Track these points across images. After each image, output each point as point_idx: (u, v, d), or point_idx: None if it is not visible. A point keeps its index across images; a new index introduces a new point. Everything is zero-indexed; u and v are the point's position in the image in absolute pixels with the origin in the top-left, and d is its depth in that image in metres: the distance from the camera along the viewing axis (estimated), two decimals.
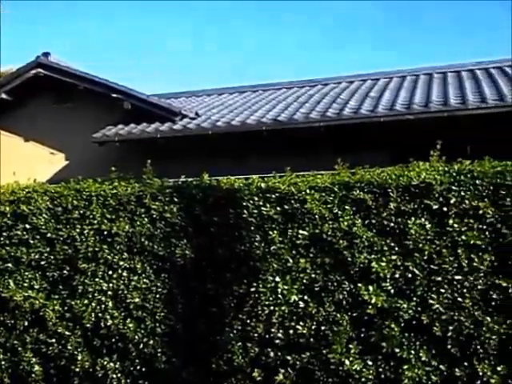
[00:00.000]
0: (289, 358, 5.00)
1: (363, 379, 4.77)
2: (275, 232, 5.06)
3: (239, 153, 9.54)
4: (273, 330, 5.04)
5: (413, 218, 4.72)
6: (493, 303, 4.56)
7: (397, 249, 4.75)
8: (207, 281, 5.36)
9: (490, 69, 11.55)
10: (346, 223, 4.85)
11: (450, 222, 4.64)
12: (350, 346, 4.82)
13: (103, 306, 5.70)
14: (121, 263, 5.66)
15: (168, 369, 5.50)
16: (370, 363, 4.78)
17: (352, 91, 11.33)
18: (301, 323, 4.97)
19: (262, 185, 5.19)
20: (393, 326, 4.70)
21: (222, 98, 13.02)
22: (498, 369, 4.49)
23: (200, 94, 13.64)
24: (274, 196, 5.11)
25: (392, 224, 4.78)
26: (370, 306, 4.73)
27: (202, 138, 10.01)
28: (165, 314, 5.52)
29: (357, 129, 9.30)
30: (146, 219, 5.62)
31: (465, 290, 4.58)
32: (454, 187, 4.68)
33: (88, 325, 5.75)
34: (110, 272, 5.71)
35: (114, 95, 10.77)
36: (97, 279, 5.74)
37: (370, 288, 4.73)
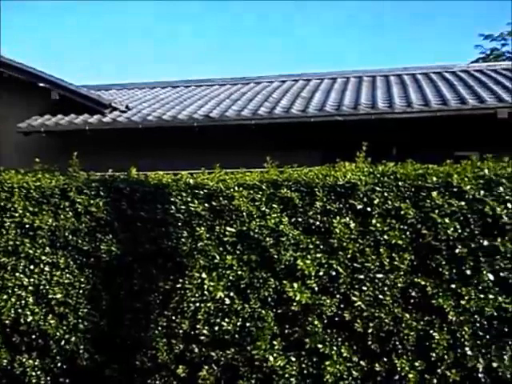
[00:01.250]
0: (213, 354, 5.01)
1: (286, 375, 4.82)
2: (203, 228, 5.04)
3: (169, 148, 9.46)
4: (198, 326, 5.02)
5: (338, 217, 4.81)
6: (412, 301, 4.71)
7: (322, 247, 4.83)
8: (133, 277, 5.27)
9: (417, 75, 11.96)
10: (273, 221, 4.89)
11: (373, 221, 4.76)
12: (274, 342, 4.86)
13: (23, 301, 5.51)
14: (43, 258, 5.49)
15: (91, 366, 5.38)
16: (293, 359, 4.84)
17: (284, 90, 11.46)
18: (226, 320, 4.98)
19: (191, 181, 5.17)
20: (316, 322, 4.78)
21: (153, 92, 12.88)
22: (416, 364, 4.64)
23: (131, 87, 13.46)
24: (202, 192, 5.09)
25: (318, 223, 4.86)
26: (295, 303, 4.79)
27: (132, 132, 9.88)
28: (88, 310, 5.40)
29: (288, 128, 9.43)
30: (70, 213, 5.47)
31: (386, 288, 4.71)
32: (377, 188, 4.80)
33: (7, 321, 5.54)
34: (32, 267, 5.52)
35: (41, 84, 10.46)
36: (17, 274, 5.54)
37: (295, 285, 4.79)
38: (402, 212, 4.73)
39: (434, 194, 4.69)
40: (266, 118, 9.38)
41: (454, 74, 11.87)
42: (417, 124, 9.15)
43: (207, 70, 38.92)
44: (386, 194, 4.78)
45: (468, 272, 4.60)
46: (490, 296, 4.55)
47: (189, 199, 5.10)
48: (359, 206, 4.81)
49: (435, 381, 4.62)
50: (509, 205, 4.60)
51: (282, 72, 13.18)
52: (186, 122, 9.67)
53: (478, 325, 4.59)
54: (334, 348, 4.76)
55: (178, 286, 5.08)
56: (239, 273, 4.95)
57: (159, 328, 5.15)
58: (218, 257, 4.99)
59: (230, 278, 4.97)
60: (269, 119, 9.37)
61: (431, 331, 4.63)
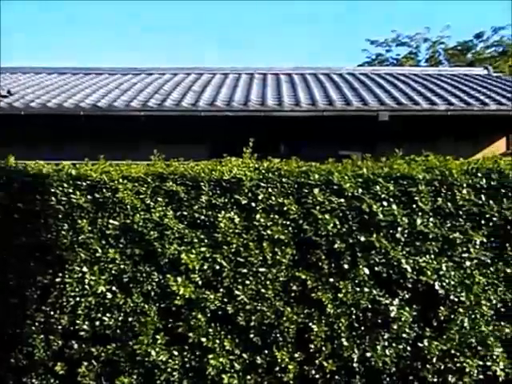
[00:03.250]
0: (93, 350, 4.87)
1: (169, 369, 4.80)
2: (84, 221, 4.89)
3: (53, 137, 9.09)
4: (78, 321, 4.87)
5: (223, 212, 4.84)
6: (292, 294, 4.84)
7: (206, 241, 4.84)
8: (8, 271, 5.02)
9: (306, 75, 12.29)
10: (157, 214, 4.84)
11: (258, 216, 4.83)
12: (157, 336, 4.82)
13: None
14: None
15: None
16: (176, 353, 4.81)
17: (176, 83, 11.38)
18: (108, 314, 4.86)
19: (73, 171, 4.99)
20: (200, 316, 4.78)
21: (39, 77, 12.32)
22: (295, 355, 4.77)
23: (14, 72, 12.77)
24: (84, 184, 4.93)
25: (203, 217, 4.87)
26: (178, 297, 4.77)
27: (13, 119, 9.38)
28: None
29: (178, 121, 9.36)
30: None
31: (268, 282, 4.80)
32: (262, 184, 4.88)
33: None
34: None
35: None
36: None
37: (179, 279, 4.77)
38: (285, 208, 4.84)
39: (316, 190, 4.84)
40: (155, 110, 9.26)
41: (341, 76, 12.33)
42: (304, 122, 9.42)
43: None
44: (270, 190, 4.87)
45: (346, 266, 4.80)
46: (366, 289, 4.77)
47: (70, 190, 4.92)
48: (244, 201, 4.87)
49: (313, 371, 4.77)
50: (384, 203, 4.84)
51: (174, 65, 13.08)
52: (71, 111, 9.33)
53: (353, 317, 4.79)
54: (217, 341, 4.79)
55: (58, 280, 4.89)
56: (122, 267, 4.85)
57: (36, 324, 4.94)
58: (100, 250, 4.87)
59: (113, 271, 4.86)
60: (158, 111, 9.26)
61: (310, 324, 4.78)
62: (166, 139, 8.32)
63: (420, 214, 4.85)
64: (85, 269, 4.85)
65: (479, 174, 4.98)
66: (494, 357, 4.78)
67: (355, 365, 4.77)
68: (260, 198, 4.86)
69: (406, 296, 4.79)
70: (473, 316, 4.81)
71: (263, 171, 4.94)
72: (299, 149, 8.88)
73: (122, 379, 4.83)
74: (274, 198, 4.87)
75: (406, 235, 4.83)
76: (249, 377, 4.81)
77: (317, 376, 4.77)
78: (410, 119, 9.47)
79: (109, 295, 4.85)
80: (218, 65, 13.14)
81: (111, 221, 4.89)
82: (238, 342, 4.83)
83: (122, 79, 11.99)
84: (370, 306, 4.78)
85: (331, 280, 4.80)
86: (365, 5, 39.34)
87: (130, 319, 4.86)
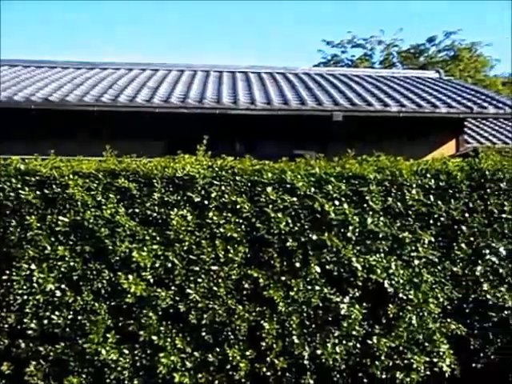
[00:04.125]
0: (41, 349, 4.77)
1: (119, 368, 4.74)
2: (33, 217, 4.78)
3: (3, 131, 8.86)
4: (25, 320, 4.75)
5: (175, 209, 4.82)
6: (244, 292, 4.85)
7: (158, 239, 4.80)
8: None
9: (262, 74, 12.32)
10: (109, 211, 4.77)
11: (210, 214, 4.83)
12: (108, 335, 4.75)
13: None
14: None
15: None
16: (126, 352, 4.76)
17: (130, 79, 11.25)
18: (56, 313, 4.77)
19: (22, 166, 4.87)
20: (151, 314, 4.74)
21: None
22: (247, 353, 4.78)
23: None
24: (33, 179, 4.82)
25: (155, 214, 4.83)
26: (130, 295, 4.71)
27: None
28: None
29: (132, 117, 9.26)
30: None
31: (220, 280, 4.80)
32: (215, 182, 4.88)
33: None
34: None
35: None
36: None
37: (130, 277, 4.72)
38: (238, 206, 4.85)
39: (269, 189, 4.86)
40: (109, 106, 9.13)
41: (296, 75, 12.40)
42: (260, 121, 9.45)
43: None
44: (223, 188, 4.87)
45: (297, 265, 4.83)
46: (317, 287, 4.82)
47: (19, 186, 4.81)
48: (197, 199, 4.85)
49: (264, 369, 4.79)
50: (336, 202, 4.90)
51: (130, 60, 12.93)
52: (22, 104, 9.11)
53: (305, 315, 4.83)
54: (169, 340, 4.76)
55: (4, 277, 4.77)
56: (72, 264, 4.77)
57: None
58: (49, 247, 4.77)
59: (62, 269, 4.77)
60: (112, 107, 9.13)
61: (262, 321, 4.79)
62: (120, 135, 8.23)
63: (371, 213, 4.93)
64: (33, 266, 4.75)
65: (428, 175, 5.10)
66: (441, 353, 4.89)
67: (306, 362, 4.82)
68: (213, 195, 4.86)
69: (357, 294, 4.86)
70: (420, 313, 4.92)
71: (216, 169, 4.94)
72: (254, 147, 8.94)
73: (71, 379, 4.74)
74: (227, 195, 4.87)
75: (356, 234, 4.90)
76: (200, 375, 4.80)
77: (268, 373, 4.80)
78: (363, 120, 9.62)
79: (58, 293, 4.76)
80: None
81: (61, 217, 4.80)
82: (189, 340, 4.81)
83: (75, 73, 11.77)
84: (320, 304, 4.82)
85: (283, 278, 4.83)
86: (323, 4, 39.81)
87: (79, 318, 4.78)
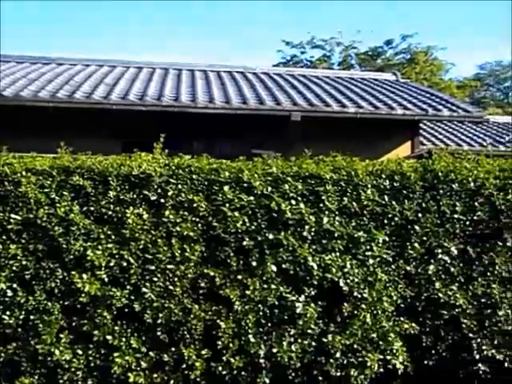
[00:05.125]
0: None
1: (73, 369, 4.67)
2: None
3: None
4: None
5: (131, 208, 4.77)
6: (201, 291, 4.84)
7: (113, 237, 4.75)
8: None
9: (221, 72, 12.30)
10: (63, 209, 4.69)
11: (167, 213, 4.80)
12: (61, 335, 4.68)
13: None
14: None
15: None
16: (80, 352, 4.69)
17: (87, 75, 11.07)
18: (8, 313, 4.66)
19: None
20: (105, 314, 4.69)
21: None
22: (203, 352, 4.77)
23: None
24: None
25: (110, 212, 4.77)
26: (84, 295, 4.65)
27: None
28: None
29: (89, 114, 9.13)
30: None
31: (176, 279, 4.77)
32: (172, 180, 4.85)
33: None
34: None
35: None
36: None
37: (84, 276, 4.65)
38: (195, 204, 4.83)
39: (226, 188, 4.86)
40: (64, 102, 8.97)
41: (255, 75, 12.42)
42: (219, 120, 9.44)
43: None
44: (180, 187, 4.85)
45: (254, 264, 4.84)
46: (273, 286, 4.84)
47: None
48: (153, 197, 4.82)
49: (220, 368, 4.78)
50: (293, 201, 4.93)
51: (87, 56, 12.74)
52: None
53: (261, 313, 4.84)
54: (123, 339, 4.72)
55: None
56: (24, 263, 4.67)
57: None
58: (0, 246, 4.66)
59: (14, 268, 4.66)
60: (68, 103, 8.98)
61: (218, 320, 4.79)
62: (76, 132, 8.11)
63: (327, 212, 4.98)
64: None
65: (383, 176, 5.18)
66: (394, 351, 4.98)
67: (262, 361, 4.83)
68: (169, 194, 4.83)
69: (312, 293, 4.90)
70: (375, 312, 4.99)
71: (173, 167, 4.91)
72: (213, 146, 8.93)
73: (23, 380, 4.66)
74: (183, 194, 4.85)
75: (312, 233, 4.95)
76: (155, 375, 4.77)
77: (224, 372, 4.79)
78: (321, 120, 9.70)
79: (9, 293, 4.66)
80: None
81: (13, 215, 4.70)
82: (144, 340, 4.77)
83: (30, 68, 11.52)
84: (276, 303, 4.85)
85: (239, 277, 4.83)
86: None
87: (32, 318, 4.69)
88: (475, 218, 5.28)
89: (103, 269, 4.70)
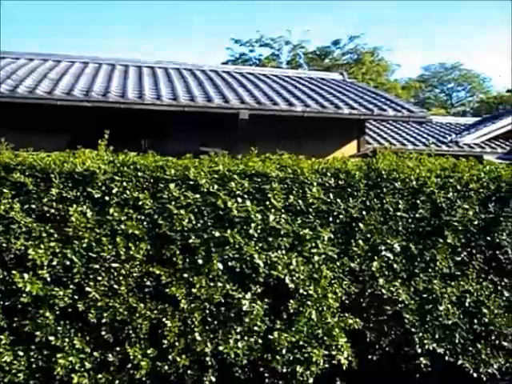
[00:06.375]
0: None
1: (14, 371, 4.55)
2: None
3: None
4: None
5: (74, 206, 4.68)
6: (146, 290, 4.79)
7: (56, 236, 4.65)
8: None
9: (169, 69, 12.19)
10: (2, 207, 4.56)
11: (111, 211, 4.73)
12: (1, 336, 4.55)
13: None
14: None
15: None
16: (21, 354, 4.58)
17: (31, 69, 10.78)
18: None
19: None
20: (48, 314, 4.59)
21: None
22: (148, 352, 4.72)
23: None
24: None
25: (53, 210, 4.67)
26: (25, 295, 4.53)
27: None
28: None
29: (33, 109, 8.90)
30: None
31: (121, 278, 4.71)
32: (117, 177, 4.78)
33: None
34: None
35: None
36: None
37: (26, 276, 4.53)
38: (140, 202, 4.78)
39: (172, 186, 4.83)
40: (6, 97, 8.70)
41: (204, 72, 12.38)
42: (166, 117, 9.36)
43: None
44: (125, 184, 4.79)
45: (200, 261, 4.83)
46: (219, 284, 4.84)
47: None
48: (97, 195, 4.74)
49: (166, 367, 4.75)
50: (239, 199, 4.94)
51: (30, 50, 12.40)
52: None
53: (207, 311, 4.84)
54: (67, 340, 4.63)
55: None
56: None
57: None
58: None
59: None
60: (10, 98, 8.72)
61: (164, 319, 4.75)
62: (19, 128, 7.90)
63: (273, 210, 5.01)
64: None
65: (328, 174, 5.25)
66: (339, 346, 5.05)
67: (208, 359, 4.82)
68: (114, 191, 4.76)
69: (258, 290, 4.92)
70: (320, 308, 5.05)
71: (118, 164, 4.84)
72: (160, 144, 8.83)
73: None
74: (128, 192, 4.79)
75: (259, 231, 4.96)
76: (100, 375, 4.69)
77: (170, 371, 4.76)
78: (269, 118, 9.74)
79: None
80: None
81: None
82: (88, 340, 4.70)
83: None
84: (223, 301, 4.85)
85: (185, 275, 4.81)
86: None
87: None
88: (417, 215, 5.41)
89: (45, 268, 4.60)
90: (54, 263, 4.62)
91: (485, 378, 5.50)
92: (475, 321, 5.49)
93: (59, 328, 4.63)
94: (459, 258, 5.48)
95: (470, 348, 5.47)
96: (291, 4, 41.22)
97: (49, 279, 4.62)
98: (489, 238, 5.57)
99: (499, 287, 5.58)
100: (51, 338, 4.59)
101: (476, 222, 5.54)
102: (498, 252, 5.60)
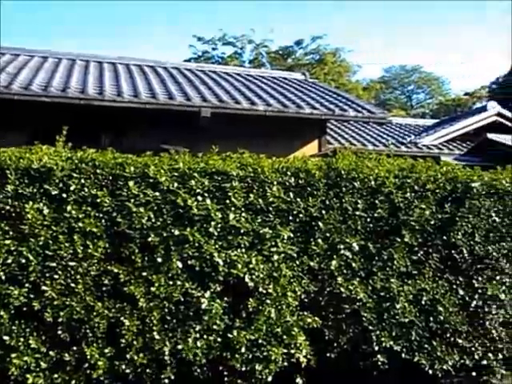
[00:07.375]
0: None
1: None
2: None
3: None
4: None
5: (31, 203, 4.59)
6: (104, 288, 4.72)
7: (11, 233, 4.56)
8: None
9: (131, 66, 12.08)
10: None
11: (69, 208, 4.65)
12: None
13: None
14: None
15: None
16: None
17: None
18: None
19: None
20: (2, 313, 4.49)
21: None
22: (106, 351, 4.66)
23: None
24: None
25: (8, 207, 4.57)
26: None
27: None
28: None
29: None
30: None
31: (78, 276, 4.64)
32: (75, 174, 4.71)
33: None
34: None
35: None
36: None
37: None
38: (99, 200, 4.72)
39: (131, 183, 4.78)
40: None
41: (166, 69, 12.29)
42: (127, 114, 9.26)
43: None
44: (83, 181, 4.72)
45: (159, 260, 4.79)
46: (178, 282, 4.81)
47: None
48: (54, 192, 4.66)
49: (124, 366, 4.70)
50: (199, 197, 4.93)
51: None
52: None
53: (166, 310, 4.80)
54: (22, 339, 4.53)
55: None
56: None
57: None
58: None
59: None
60: None
61: (122, 318, 4.70)
62: None
63: (233, 209, 5.01)
64: None
65: (289, 173, 5.28)
66: (298, 345, 5.07)
67: (166, 357, 4.79)
68: (72, 188, 4.69)
69: (218, 289, 4.91)
70: (279, 307, 5.07)
71: (76, 161, 4.77)
72: (121, 141, 8.75)
73: None
74: (86, 189, 4.72)
75: (219, 229, 4.96)
76: (56, 375, 4.61)
77: (127, 371, 4.71)
78: (231, 117, 9.74)
79: None
80: None
81: None
82: (44, 339, 4.61)
83: None
84: (182, 299, 4.82)
85: (144, 274, 4.76)
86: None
87: None
88: (376, 215, 5.49)
89: (0, 266, 4.50)
90: (9, 261, 4.52)
91: (440, 375, 5.61)
92: (431, 319, 5.59)
93: (14, 327, 4.53)
94: (416, 257, 5.58)
95: (426, 345, 5.57)
96: (254, 4, 41.27)
97: (3, 278, 4.51)
98: (445, 238, 5.68)
99: (454, 286, 5.70)
100: (6, 337, 4.49)
101: (432, 222, 5.65)
102: (453, 251, 5.71)
